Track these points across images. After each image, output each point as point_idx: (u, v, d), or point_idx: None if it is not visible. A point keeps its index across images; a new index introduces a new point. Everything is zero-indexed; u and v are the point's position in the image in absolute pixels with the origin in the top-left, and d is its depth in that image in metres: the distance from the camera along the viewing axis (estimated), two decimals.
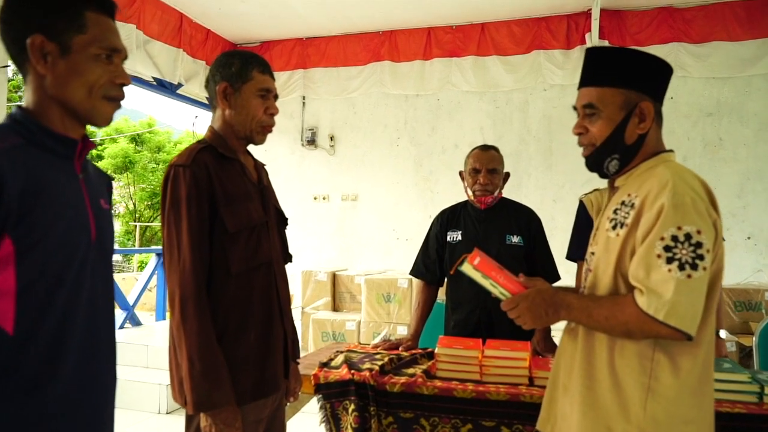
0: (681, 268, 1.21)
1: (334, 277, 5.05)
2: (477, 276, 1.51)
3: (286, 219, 1.93)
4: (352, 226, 5.94)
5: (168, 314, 6.24)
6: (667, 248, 1.22)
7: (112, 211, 1.38)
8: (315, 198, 6.04)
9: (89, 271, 1.14)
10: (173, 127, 18.35)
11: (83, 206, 1.15)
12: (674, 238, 1.22)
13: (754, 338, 3.06)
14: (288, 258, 1.90)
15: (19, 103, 1.17)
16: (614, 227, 1.36)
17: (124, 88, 1.21)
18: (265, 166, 1.94)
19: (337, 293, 5.01)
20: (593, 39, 4.87)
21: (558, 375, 1.52)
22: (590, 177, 5.39)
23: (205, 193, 1.60)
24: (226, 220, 1.61)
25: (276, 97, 1.79)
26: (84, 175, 1.19)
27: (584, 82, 1.44)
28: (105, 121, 1.20)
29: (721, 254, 1.31)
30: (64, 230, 1.08)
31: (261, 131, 1.75)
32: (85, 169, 1.20)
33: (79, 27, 1.12)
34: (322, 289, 4.93)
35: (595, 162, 1.44)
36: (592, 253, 1.46)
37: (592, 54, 1.45)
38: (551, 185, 5.26)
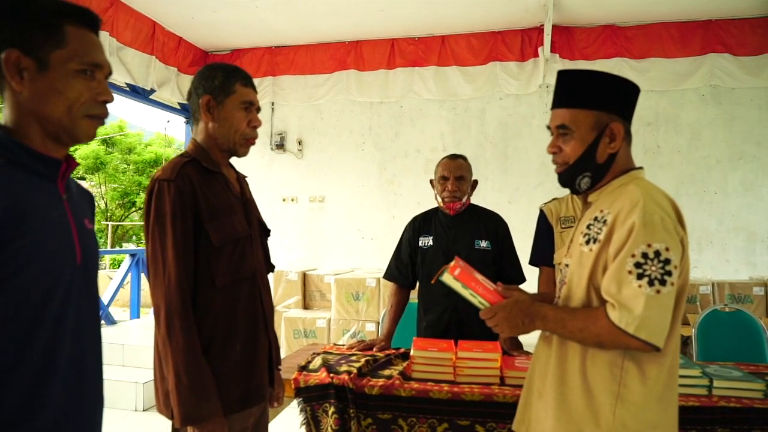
0: (650, 284, 1.20)
1: (305, 277, 4.95)
2: (457, 286, 1.46)
3: (269, 230, 1.84)
4: (320, 226, 5.84)
5: (142, 314, 6.04)
6: (637, 265, 1.21)
7: (95, 230, 1.26)
8: (284, 200, 5.92)
9: (75, 296, 1.03)
10: (144, 130, 17.72)
11: (68, 229, 1.03)
12: (644, 255, 1.21)
13: (693, 329, 3.14)
14: (270, 268, 1.82)
15: None
16: (587, 242, 1.34)
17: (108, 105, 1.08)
18: (246, 178, 1.85)
19: (308, 292, 4.91)
20: (545, 52, 4.90)
21: (533, 380, 1.50)
22: (542, 181, 5.49)
23: (189, 208, 1.50)
24: (211, 235, 1.52)
25: (258, 109, 1.70)
26: (68, 196, 1.07)
27: (557, 104, 1.41)
28: (87, 138, 1.07)
29: (687, 268, 1.30)
30: (49, 256, 0.97)
31: (244, 144, 1.66)
32: (68, 189, 1.08)
33: (58, 41, 0.99)
34: (293, 288, 4.82)
35: (567, 179, 1.41)
36: (567, 265, 1.44)
37: (564, 76, 1.41)
38: (506, 188, 5.28)
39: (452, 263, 1.48)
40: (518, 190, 5.29)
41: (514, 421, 1.57)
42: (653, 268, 1.20)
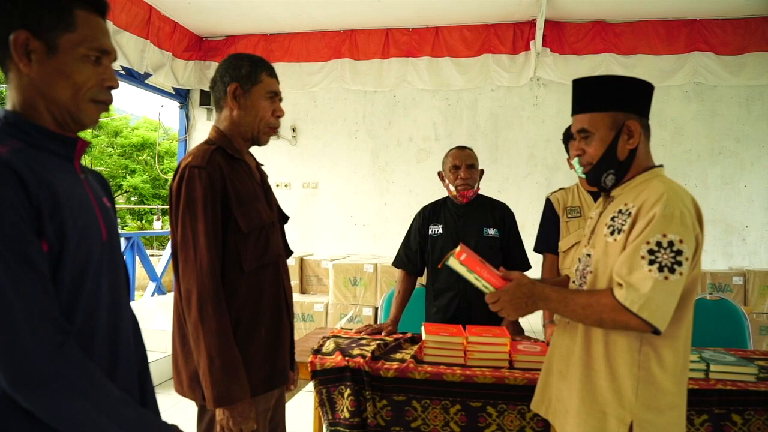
0: (660, 269, 1.25)
1: (302, 262, 4.94)
2: (462, 270, 1.50)
3: (287, 217, 1.85)
4: (313, 212, 5.83)
5: (136, 297, 5.96)
6: (650, 251, 1.26)
7: (115, 208, 1.25)
8: (277, 185, 5.87)
9: (105, 272, 1.02)
10: (131, 114, 17.33)
11: (91, 206, 1.02)
12: (658, 244, 1.26)
13: None
14: (289, 253, 1.83)
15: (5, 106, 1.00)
16: (612, 233, 1.39)
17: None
18: (263, 166, 1.85)
19: (305, 276, 4.90)
20: (537, 46, 4.93)
21: (552, 362, 1.54)
22: (531, 171, 5.56)
23: (218, 195, 1.50)
24: (239, 221, 1.52)
25: (281, 99, 1.69)
26: (84, 176, 1.06)
27: (576, 110, 1.47)
28: (91, 123, 1.05)
29: (700, 263, 1.35)
30: (81, 233, 0.96)
31: (268, 132, 1.66)
32: (83, 170, 1.08)
33: (68, 25, 0.96)
34: (290, 272, 4.81)
35: (594, 178, 1.47)
36: (588, 255, 1.48)
37: (578, 85, 1.47)
38: (496, 177, 5.32)
39: (458, 249, 1.51)
40: (508, 180, 5.34)
41: (532, 401, 1.61)
42: (665, 256, 1.25)
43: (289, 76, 5.69)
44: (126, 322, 1.12)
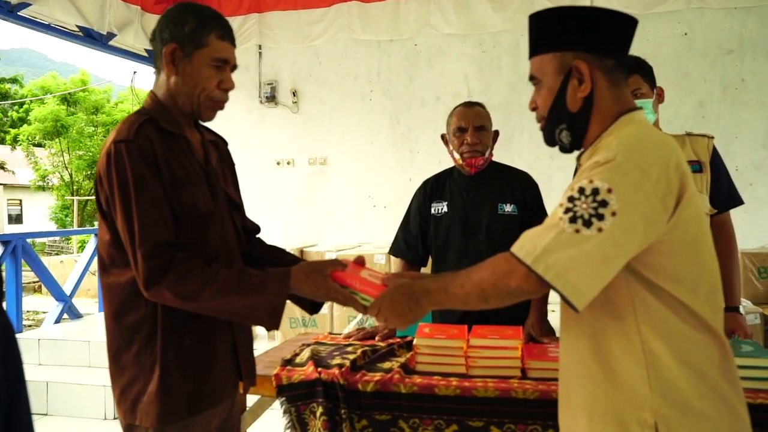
0: (572, 220, 1.20)
1: (302, 255, 5.00)
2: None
3: (238, 205, 1.87)
4: (322, 194, 5.90)
5: None
6: (570, 198, 1.22)
7: None
8: (278, 163, 5.96)
9: None
10: (113, 83, 17.82)
11: None
12: (581, 190, 1.21)
13: None
14: (243, 248, 1.86)
15: None
16: None
17: None
18: (219, 141, 1.87)
19: None
20: None
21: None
22: None
23: (154, 169, 1.53)
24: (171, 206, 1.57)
25: (234, 68, 1.70)
26: None
27: (529, 54, 1.45)
28: None
29: (690, 221, 1.26)
30: None
31: (210, 107, 1.68)
32: None
33: None
34: None
35: (548, 136, 1.45)
36: None
37: (530, 22, 1.44)
38: None
39: None
40: None
41: None
42: (583, 206, 1.20)
43: (285, 27, 5.74)
44: None
